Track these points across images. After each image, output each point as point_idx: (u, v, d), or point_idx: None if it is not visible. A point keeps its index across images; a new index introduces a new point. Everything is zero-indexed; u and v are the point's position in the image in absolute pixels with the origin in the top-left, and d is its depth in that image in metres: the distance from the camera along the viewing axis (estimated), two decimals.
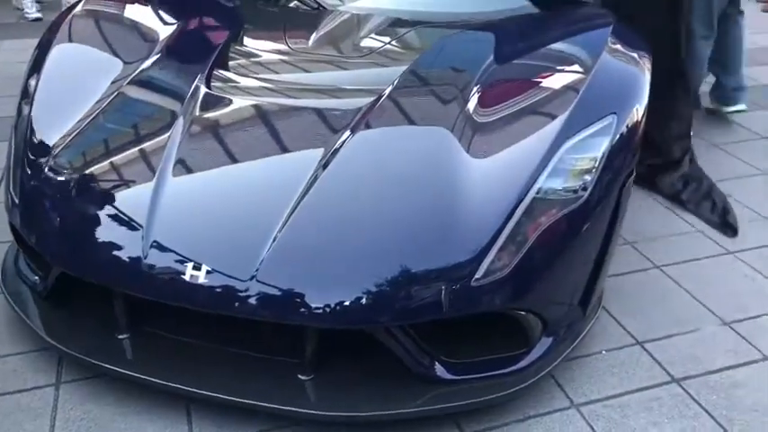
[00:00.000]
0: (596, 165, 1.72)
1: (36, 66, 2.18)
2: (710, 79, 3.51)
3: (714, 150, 3.16)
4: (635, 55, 2.12)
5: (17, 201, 1.85)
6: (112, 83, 2.11)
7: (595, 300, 1.90)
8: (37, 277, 1.91)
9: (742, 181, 2.89)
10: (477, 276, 1.56)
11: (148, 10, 2.49)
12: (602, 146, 1.75)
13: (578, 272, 1.79)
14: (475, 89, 1.96)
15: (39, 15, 4.83)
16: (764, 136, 3.32)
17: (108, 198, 1.75)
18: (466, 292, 1.56)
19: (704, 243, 2.46)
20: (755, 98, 3.72)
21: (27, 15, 4.87)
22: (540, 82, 1.99)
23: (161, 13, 2.47)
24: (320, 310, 1.52)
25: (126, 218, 1.69)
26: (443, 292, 1.55)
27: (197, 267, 1.56)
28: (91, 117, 1.97)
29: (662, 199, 2.72)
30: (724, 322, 2.06)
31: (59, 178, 1.81)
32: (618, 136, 1.79)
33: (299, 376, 1.64)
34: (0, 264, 2.04)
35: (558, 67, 2.05)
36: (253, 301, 1.53)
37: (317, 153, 1.77)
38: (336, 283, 1.55)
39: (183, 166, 1.78)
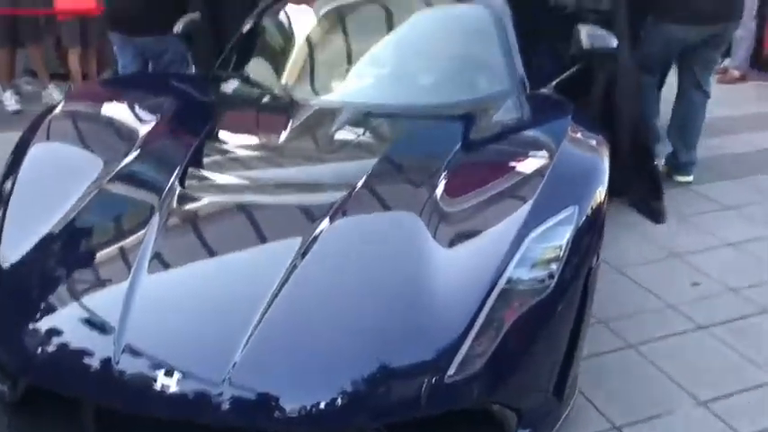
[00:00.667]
0: (561, 253, 1.77)
1: (12, 167, 2.20)
2: None
3: (683, 222, 3.25)
4: (593, 141, 2.21)
5: None
6: (90, 183, 2.12)
7: (571, 385, 1.91)
8: (5, 387, 1.87)
9: (711, 253, 2.96)
10: (450, 372, 1.57)
11: (128, 109, 2.55)
12: (566, 234, 1.80)
13: (551, 360, 1.80)
14: (443, 175, 2.02)
15: (18, 107, 4.91)
16: (731, 206, 3.42)
17: (80, 302, 1.74)
18: (440, 389, 1.56)
19: (675, 319, 2.50)
20: (721, 168, 3.86)
21: (6, 107, 4.94)
22: (505, 170, 2.06)
23: (138, 110, 2.53)
24: (295, 415, 1.51)
25: (97, 322, 1.68)
26: (418, 389, 1.55)
27: (169, 373, 1.54)
28: (66, 219, 1.98)
29: (632, 275, 2.78)
30: (699, 402, 2.07)
31: (30, 284, 1.81)
32: (581, 223, 1.85)
33: None
34: None
35: (521, 156, 2.13)
36: (225, 406, 1.52)
37: (294, 246, 1.80)
38: (310, 386, 1.55)
39: (158, 266, 1.79)
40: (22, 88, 5.38)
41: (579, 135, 2.21)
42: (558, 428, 1.83)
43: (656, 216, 3.22)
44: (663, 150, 3.73)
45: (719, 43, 3.53)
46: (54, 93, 5.07)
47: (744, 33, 5.53)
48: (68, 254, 1.89)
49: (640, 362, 2.26)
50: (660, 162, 3.68)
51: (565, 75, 2.80)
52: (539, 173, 1.98)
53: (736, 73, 5.82)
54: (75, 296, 1.77)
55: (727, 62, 5.98)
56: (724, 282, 2.73)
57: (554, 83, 2.73)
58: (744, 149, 4.19)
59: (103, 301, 1.74)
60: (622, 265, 2.85)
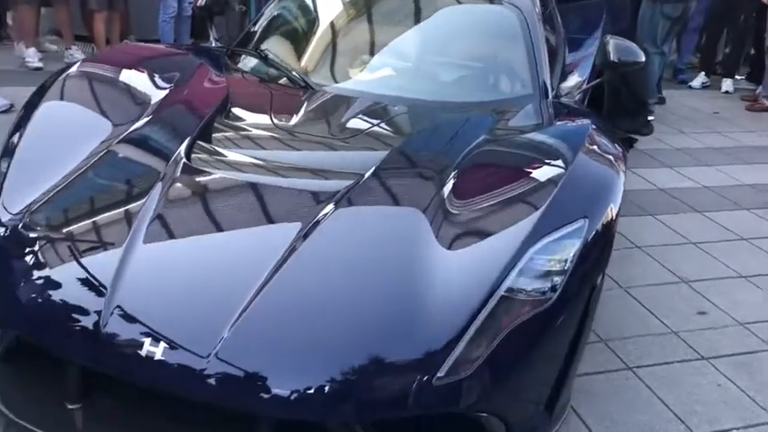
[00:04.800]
0: (566, 267, 1.72)
1: (20, 123, 2.19)
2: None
3: (694, 249, 3.18)
4: (610, 156, 2.15)
5: None
6: (99, 143, 2.11)
7: (563, 402, 1.86)
8: None
9: (720, 283, 2.90)
10: (439, 375, 1.52)
11: (143, 75, 2.52)
12: (573, 248, 1.75)
13: (545, 374, 1.75)
14: (452, 174, 1.97)
15: (40, 65, 4.91)
16: (745, 237, 3.35)
17: (74, 260, 1.72)
18: (428, 390, 1.51)
19: (678, 346, 2.44)
20: (737, 197, 3.79)
21: (28, 64, 4.94)
22: (516, 176, 2.00)
23: (154, 78, 2.51)
24: (277, 399, 1.48)
25: (90, 282, 1.66)
26: (405, 388, 1.51)
27: (155, 341, 1.52)
28: (69, 177, 1.97)
29: (638, 296, 2.72)
30: None
31: (27, 237, 1.79)
32: (589, 239, 1.79)
33: None
34: None
35: (535, 163, 2.08)
36: (209, 381, 1.49)
37: (295, 227, 1.76)
38: (296, 371, 1.51)
39: (155, 234, 1.76)
40: (45, 47, 5.39)
41: (597, 147, 2.15)
42: None
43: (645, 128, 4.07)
44: None
45: None
46: (76, 54, 5.07)
47: None
48: (67, 211, 1.87)
49: (637, 386, 2.20)
50: None
51: (589, 84, 2.75)
52: (551, 182, 1.93)
53: (766, 102, 5.73)
54: (70, 254, 1.74)
55: (758, 90, 5.90)
56: (731, 313, 2.66)
57: (578, 92, 2.68)
58: (765, 180, 4.12)
59: (97, 263, 1.71)
60: (628, 284, 2.79)
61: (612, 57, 2.68)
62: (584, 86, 2.73)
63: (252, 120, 2.40)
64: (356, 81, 2.63)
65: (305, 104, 2.40)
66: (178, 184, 1.92)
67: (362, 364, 1.52)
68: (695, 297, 2.78)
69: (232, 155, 2.13)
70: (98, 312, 1.57)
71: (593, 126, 2.24)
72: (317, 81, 2.59)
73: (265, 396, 1.48)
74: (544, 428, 1.78)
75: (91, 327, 1.56)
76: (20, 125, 2.19)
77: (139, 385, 1.55)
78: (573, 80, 2.82)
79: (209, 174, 1.99)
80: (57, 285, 1.67)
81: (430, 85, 2.60)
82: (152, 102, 2.33)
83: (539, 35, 2.70)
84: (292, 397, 1.48)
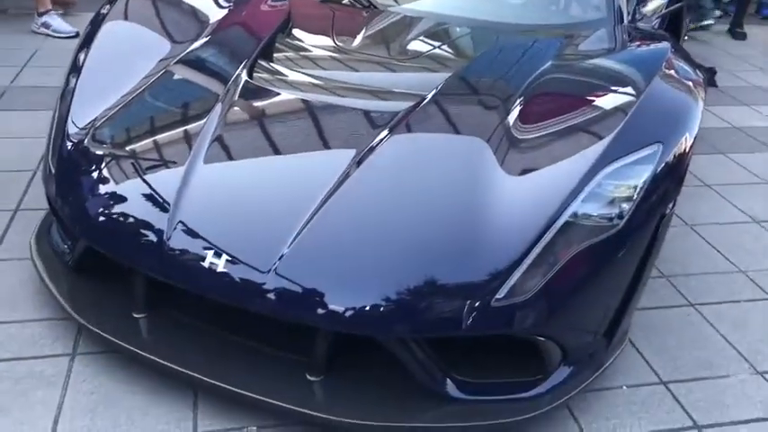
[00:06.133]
0: (636, 194, 1.65)
1: (87, 39, 2.22)
2: None
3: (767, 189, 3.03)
4: (689, 83, 2.03)
5: (53, 170, 1.88)
6: (159, 62, 2.13)
7: (622, 332, 1.83)
8: (66, 247, 1.93)
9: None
10: (498, 296, 1.51)
11: None
12: (644, 175, 1.68)
13: (606, 302, 1.72)
14: (518, 101, 1.91)
15: None
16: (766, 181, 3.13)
17: (139, 176, 1.76)
18: (486, 312, 1.51)
19: (745, 285, 2.35)
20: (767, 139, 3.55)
21: None
22: (586, 101, 1.93)
23: None
24: (335, 313, 1.50)
25: (155, 198, 1.70)
26: (463, 308, 1.50)
27: (217, 255, 1.56)
28: (132, 94, 2.00)
29: (704, 234, 2.62)
30: (757, 371, 1.96)
31: (94, 152, 1.84)
32: (662, 166, 1.72)
33: (308, 376, 1.62)
34: (35, 230, 2.08)
35: (607, 88, 1.99)
36: (268, 295, 1.52)
37: (352, 151, 1.75)
38: (354, 288, 1.53)
39: (216, 152, 1.78)
40: None
41: (675, 72, 2.04)
42: (601, 373, 1.76)
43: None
44: None
45: None
46: None
47: None
48: (129, 130, 1.90)
49: (699, 322, 2.14)
50: None
51: (669, 9, 2.58)
52: (625, 106, 1.84)
53: None
54: (136, 170, 1.78)
55: None
56: None
57: (656, 18, 2.52)
58: None
59: (161, 180, 1.75)
60: (694, 221, 2.69)
61: None
62: (663, 11, 2.57)
63: (314, 40, 2.37)
64: (421, 1, 2.54)
65: (368, 25, 2.34)
66: (238, 104, 1.93)
67: (420, 283, 1.52)
68: (766, 237, 2.65)
69: (293, 74, 2.11)
70: (162, 227, 1.62)
71: (672, 50, 2.11)
72: (382, 1, 2.51)
73: (323, 311, 1.50)
74: (601, 356, 1.76)
75: (156, 240, 1.61)
76: (85, 44, 2.22)
77: (202, 296, 1.59)
78: (651, 4, 2.65)
79: (270, 93, 1.98)
80: (123, 199, 1.72)
81: (497, 7, 2.50)
82: (210, 21, 2.32)
83: None
84: (349, 312, 1.50)
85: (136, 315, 1.74)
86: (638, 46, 2.31)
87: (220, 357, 1.65)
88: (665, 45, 2.18)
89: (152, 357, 1.64)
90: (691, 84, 2.03)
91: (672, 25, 2.55)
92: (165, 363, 1.63)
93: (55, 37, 4.05)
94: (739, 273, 2.41)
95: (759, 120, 3.80)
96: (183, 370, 1.61)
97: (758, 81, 4.44)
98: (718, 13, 5.19)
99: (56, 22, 4.09)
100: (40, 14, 4.10)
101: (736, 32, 5.25)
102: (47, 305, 1.92)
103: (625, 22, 2.43)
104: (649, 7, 2.65)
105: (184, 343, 1.68)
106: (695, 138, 1.86)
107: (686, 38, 4.15)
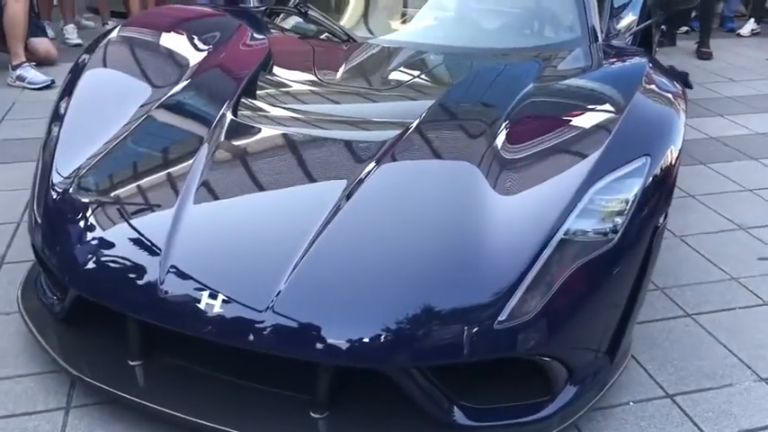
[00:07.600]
0: (628, 207, 1.66)
1: (68, 88, 2.21)
2: None
3: (751, 196, 3.07)
4: (669, 95, 2.07)
5: (39, 220, 1.85)
6: (141, 107, 2.12)
7: (624, 347, 1.82)
8: (55, 298, 1.89)
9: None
10: (500, 319, 1.49)
11: (183, 38, 2.51)
12: (635, 188, 1.69)
13: (607, 318, 1.71)
14: (504, 124, 1.92)
15: (79, 41, 4.95)
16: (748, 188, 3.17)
17: (128, 222, 1.73)
18: (488, 336, 1.49)
19: (739, 292, 2.36)
20: (743, 147, 3.62)
21: (68, 41, 5.00)
22: (572, 119, 1.95)
23: (195, 41, 2.50)
24: (335, 347, 1.47)
25: (145, 242, 1.67)
26: (464, 333, 1.49)
27: (213, 296, 1.53)
28: (117, 140, 1.98)
29: (694, 245, 2.64)
30: (760, 378, 1.96)
31: (80, 200, 1.81)
32: (651, 178, 1.73)
33: (312, 414, 1.58)
34: (21, 283, 2.03)
35: (591, 105, 2.01)
36: (267, 333, 1.49)
37: (341, 184, 1.75)
38: (353, 320, 1.50)
39: (205, 193, 1.77)
40: (82, 23, 5.43)
41: (655, 86, 2.07)
42: (607, 390, 1.74)
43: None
44: None
45: None
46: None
47: None
48: (118, 175, 1.88)
49: (699, 332, 2.14)
50: None
51: (641, 26, 2.64)
52: (609, 122, 1.86)
53: None
54: (124, 216, 1.76)
55: None
56: None
57: (629, 34, 2.57)
58: None
59: (151, 224, 1.73)
60: (683, 233, 2.71)
61: None
62: (635, 28, 2.62)
63: (296, 75, 2.38)
64: (400, 33, 2.59)
65: (348, 58, 2.36)
66: (225, 143, 1.92)
67: (419, 311, 1.50)
68: (754, 243, 2.68)
69: (278, 110, 2.11)
70: (155, 271, 1.59)
71: (650, 65, 2.15)
72: (360, 34, 2.54)
73: (322, 345, 1.48)
74: (605, 373, 1.74)
75: (148, 285, 1.58)
76: (66, 92, 2.20)
77: (198, 339, 1.56)
78: (623, 22, 2.71)
79: (256, 130, 1.97)
80: (112, 246, 1.69)
81: (473, 33, 2.54)
82: (190, 64, 2.32)
83: None
84: (349, 345, 1.47)
85: (131, 362, 1.70)
86: (616, 63, 2.35)
87: (221, 401, 1.61)
88: (643, 60, 2.23)
89: (150, 405, 1.60)
90: (671, 96, 2.07)
91: (642, 44, 2.60)
92: (165, 409, 1.59)
93: (31, 89, 4.04)
94: (732, 280, 2.42)
95: (734, 129, 3.88)
96: (184, 416, 1.57)
97: (729, 92, 4.53)
98: (684, 28, 5.33)
99: (30, 73, 4.10)
100: (14, 68, 4.10)
101: (702, 52, 5.34)
102: (38, 358, 1.87)
103: (599, 40, 2.47)
104: (622, 23, 2.70)
105: (183, 388, 1.64)
106: (681, 148, 1.89)
107: (656, 55, 4.23)
